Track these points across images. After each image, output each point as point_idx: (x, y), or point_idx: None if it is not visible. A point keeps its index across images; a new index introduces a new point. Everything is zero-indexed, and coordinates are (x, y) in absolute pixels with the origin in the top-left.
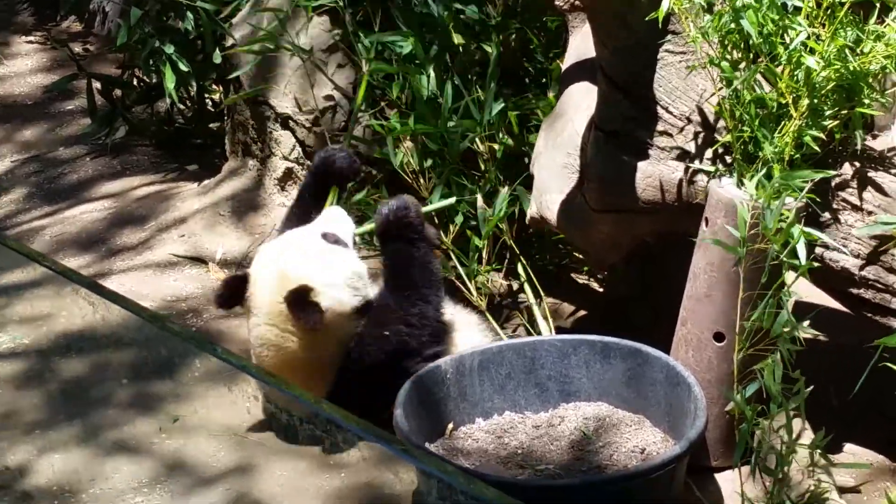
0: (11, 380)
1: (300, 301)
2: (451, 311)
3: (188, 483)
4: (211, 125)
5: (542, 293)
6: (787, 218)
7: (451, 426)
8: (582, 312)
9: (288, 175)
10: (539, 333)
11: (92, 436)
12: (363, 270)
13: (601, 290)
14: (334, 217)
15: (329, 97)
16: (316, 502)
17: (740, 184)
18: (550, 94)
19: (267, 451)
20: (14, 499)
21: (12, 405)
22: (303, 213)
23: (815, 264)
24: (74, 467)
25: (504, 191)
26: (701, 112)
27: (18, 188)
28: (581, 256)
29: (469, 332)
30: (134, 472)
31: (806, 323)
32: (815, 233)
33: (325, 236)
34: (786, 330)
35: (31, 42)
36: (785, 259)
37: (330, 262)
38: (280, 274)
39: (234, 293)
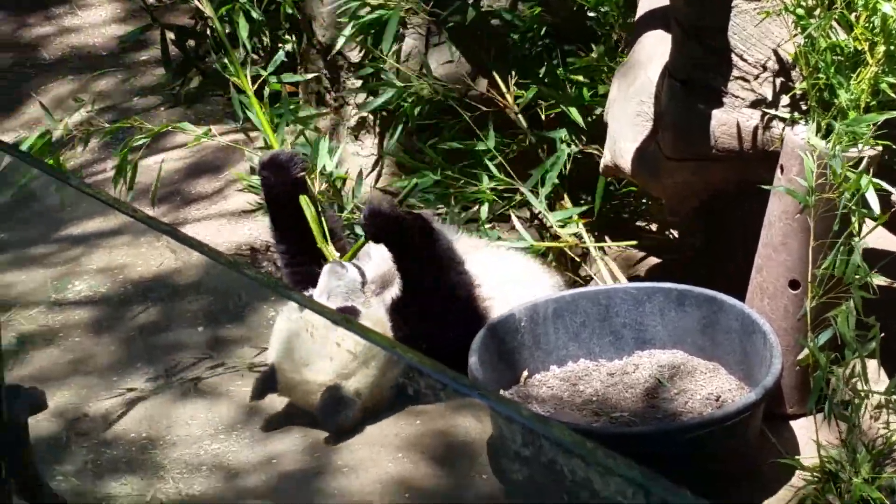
0: (89, 327)
1: (330, 412)
2: (516, 260)
3: (264, 430)
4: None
5: (615, 244)
6: (855, 166)
7: (525, 374)
8: (654, 260)
9: (361, 125)
10: (615, 281)
11: (169, 382)
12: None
13: (674, 238)
14: (334, 282)
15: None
16: (393, 448)
17: (816, 131)
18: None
19: None
20: (93, 445)
21: (90, 352)
22: (283, 233)
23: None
24: (151, 414)
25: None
26: (776, 59)
27: (94, 139)
28: (652, 203)
29: (533, 281)
30: (210, 418)
31: (879, 275)
32: (881, 183)
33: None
34: (857, 277)
35: None
36: (854, 208)
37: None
38: (302, 381)
39: (267, 388)
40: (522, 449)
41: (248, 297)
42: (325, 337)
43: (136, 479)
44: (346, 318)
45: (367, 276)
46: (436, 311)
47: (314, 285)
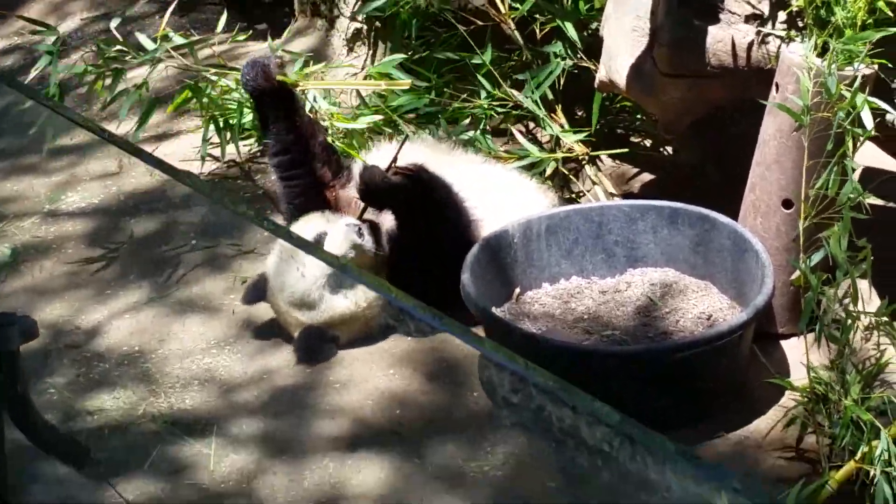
0: (82, 238)
1: (306, 353)
2: (511, 176)
3: (255, 344)
4: None
5: (609, 155)
6: (850, 85)
7: (517, 290)
8: (648, 177)
9: (357, 35)
10: (608, 198)
11: (161, 296)
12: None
13: (668, 154)
14: (347, 248)
15: None
16: (384, 365)
17: (812, 49)
18: None
19: None
20: (84, 358)
21: (82, 265)
22: (274, 143)
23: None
24: (144, 327)
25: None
26: None
27: (88, 46)
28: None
29: (528, 196)
30: (202, 332)
31: (872, 195)
32: (877, 102)
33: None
34: (850, 197)
35: None
36: (848, 127)
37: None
38: (285, 311)
39: (257, 296)
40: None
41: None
42: (314, 276)
43: (128, 392)
44: (342, 264)
45: (382, 231)
46: (437, 259)
47: (311, 200)
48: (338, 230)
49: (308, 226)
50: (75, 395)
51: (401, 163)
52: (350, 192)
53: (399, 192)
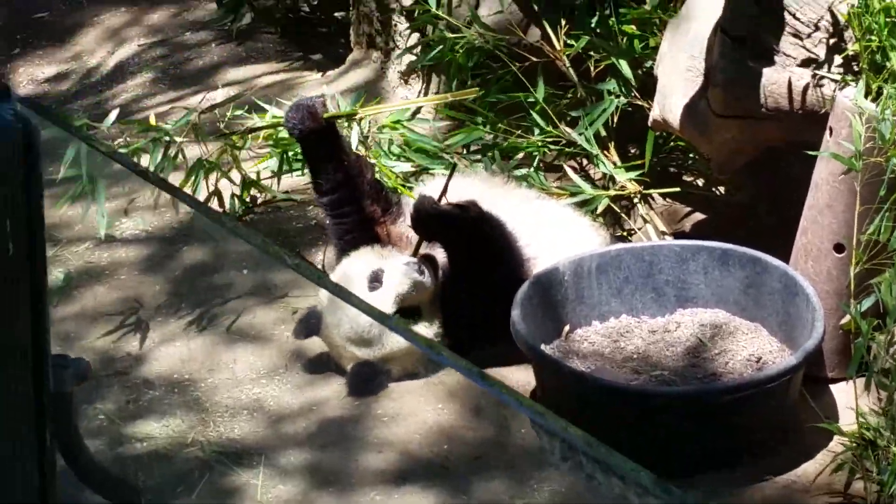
0: (135, 265)
1: (359, 387)
2: (563, 213)
3: (305, 376)
4: (336, 14)
5: (661, 194)
6: None
7: (567, 328)
8: (700, 216)
9: (411, 70)
10: (660, 236)
11: (212, 324)
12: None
13: (720, 194)
14: (407, 287)
15: None
16: (434, 398)
17: (865, 94)
18: None
19: None
20: (134, 385)
21: (136, 290)
22: (323, 183)
23: None
24: (194, 355)
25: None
26: (829, 19)
27: (145, 72)
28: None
29: (580, 233)
30: (252, 362)
31: None
32: None
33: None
34: None
35: None
36: None
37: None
38: (339, 344)
39: (310, 330)
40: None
41: (300, 239)
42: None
43: (177, 420)
44: (388, 318)
45: (439, 265)
46: (487, 294)
47: (361, 236)
48: (397, 268)
49: (361, 261)
50: (124, 421)
51: (453, 197)
52: (401, 228)
53: (451, 223)
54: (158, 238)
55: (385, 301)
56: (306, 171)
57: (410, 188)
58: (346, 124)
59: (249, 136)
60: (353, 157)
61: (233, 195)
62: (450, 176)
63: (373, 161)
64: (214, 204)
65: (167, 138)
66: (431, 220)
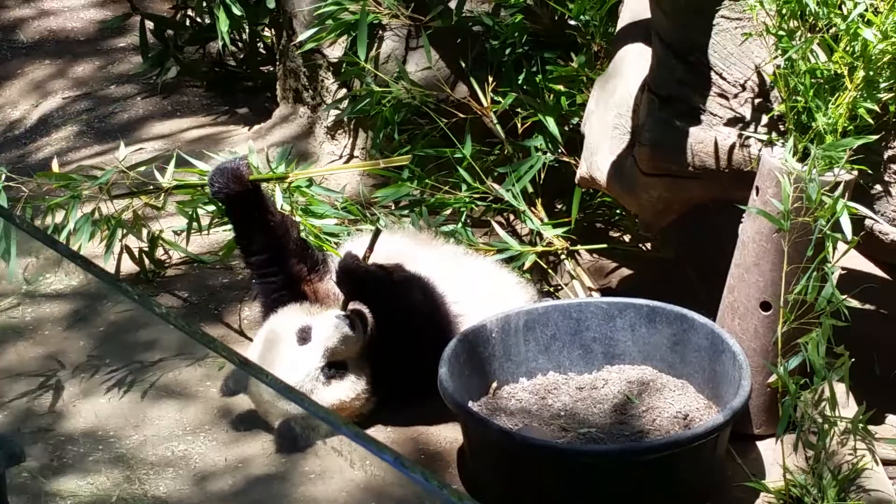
0: (58, 321)
1: (288, 443)
2: (491, 270)
3: (232, 433)
4: (262, 68)
5: (588, 250)
6: (831, 190)
7: (494, 385)
8: (627, 272)
9: (338, 124)
10: (586, 292)
11: (137, 380)
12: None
13: (646, 249)
14: (336, 342)
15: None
16: (361, 455)
17: (792, 154)
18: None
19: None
20: (59, 441)
21: (60, 346)
22: (249, 245)
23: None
24: (119, 411)
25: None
26: (756, 79)
27: (69, 125)
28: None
29: (508, 290)
30: (178, 418)
31: (852, 299)
32: (858, 207)
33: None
34: (829, 304)
35: None
36: (829, 233)
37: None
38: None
39: (237, 388)
40: None
41: (224, 295)
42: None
43: (101, 478)
44: (301, 397)
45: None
46: (414, 352)
47: (288, 294)
48: (327, 323)
49: (289, 318)
50: (48, 478)
51: (380, 255)
52: (328, 285)
53: (375, 285)
54: (83, 293)
55: (314, 355)
56: (224, 227)
57: (337, 245)
58: (271, 187)
59: (164, 194)
60: (279, 216)
61: (140, 251)
62: (375, 235)
63: (297, 219)
64: (126, 262)
65: (85, 193)
66: (356, 280)
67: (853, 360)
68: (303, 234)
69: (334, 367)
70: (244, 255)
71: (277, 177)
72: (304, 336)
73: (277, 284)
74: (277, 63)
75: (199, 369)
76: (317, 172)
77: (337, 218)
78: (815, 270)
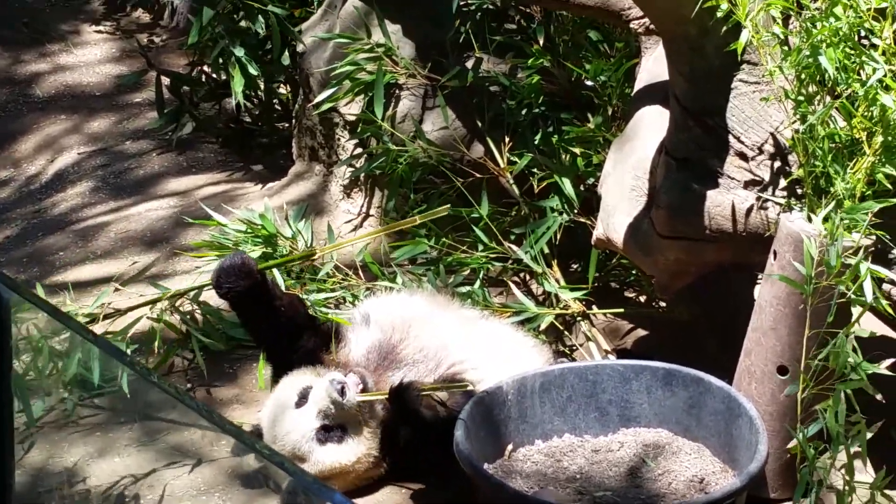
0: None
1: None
2: (507, 332)
3: (245, 492)
4: (278, 125)
5: (605, 311)
6: (854, 254)
7: (510, 447)
8: (642, 333)
9: (354, 182)
10: (602, 353)
11: (152, 439)
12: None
13: (663, 311)
14: (327, 404)
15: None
16: None
17: (810, 218)
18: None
19: None
20: (71, 501)
21: (74, 407)
22: (259, 334)
23: (883, 303)
24: (132, 471)
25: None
26: (773, 142)
27: (85, 181)
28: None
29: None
30: (192, 478)
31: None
32: (882, 270)
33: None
34: (851, 373)
35: (100, 31)
36: (853, 297)
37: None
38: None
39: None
40: None
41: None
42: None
43: None
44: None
45: (368, 382)
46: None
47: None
48: (320, 385)
49: (297, 380)
50: None
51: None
52: (342, 354)
53: (421, 421)
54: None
55: (309, 417)
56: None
57: (348, 316)
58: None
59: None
60: (286, 299)
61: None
62: (447, 386)
63: (304, 295)
64: None
65: None
66: (407, 411)
67: (871, 426)
68: (311, 311)
69: (333, 429)
70: (256, 343)
71: (303, 255)
72: (303, 396)
73: (291, 364)
74: (293, 120)
75: (215, 428)
76: (341, 245)
77: (340, 289)
78: (843, 335)
